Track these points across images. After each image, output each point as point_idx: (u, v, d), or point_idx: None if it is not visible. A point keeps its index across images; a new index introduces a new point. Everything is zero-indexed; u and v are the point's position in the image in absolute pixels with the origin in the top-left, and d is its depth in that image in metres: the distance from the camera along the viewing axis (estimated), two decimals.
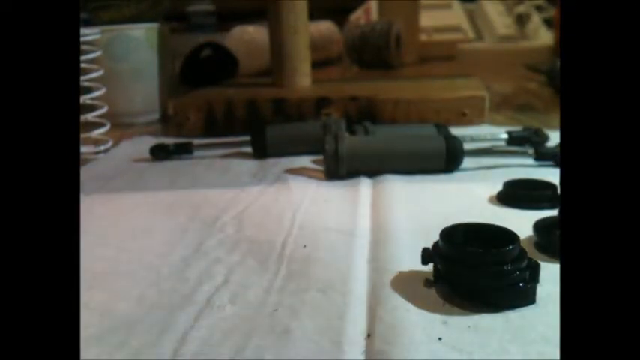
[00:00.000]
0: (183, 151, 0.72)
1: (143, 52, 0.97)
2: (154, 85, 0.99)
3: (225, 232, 0.48)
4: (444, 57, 1.64)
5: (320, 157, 0.65)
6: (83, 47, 0.76)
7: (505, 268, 0.33)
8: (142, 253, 0.44)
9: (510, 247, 0.34)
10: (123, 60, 0.94)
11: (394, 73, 1.45)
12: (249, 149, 0.72)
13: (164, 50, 1.00)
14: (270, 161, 0.69)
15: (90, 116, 0.75)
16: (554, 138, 0.70)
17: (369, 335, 0.32)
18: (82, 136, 0.74)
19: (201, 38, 1.31)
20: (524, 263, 0.34)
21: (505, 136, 0.70)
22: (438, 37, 1.73)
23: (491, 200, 0.53)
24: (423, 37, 1.68)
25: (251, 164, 0.69)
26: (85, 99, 0.74)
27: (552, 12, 1.65)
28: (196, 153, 0.72)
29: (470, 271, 0.34)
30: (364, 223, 0.48)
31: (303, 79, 0.92)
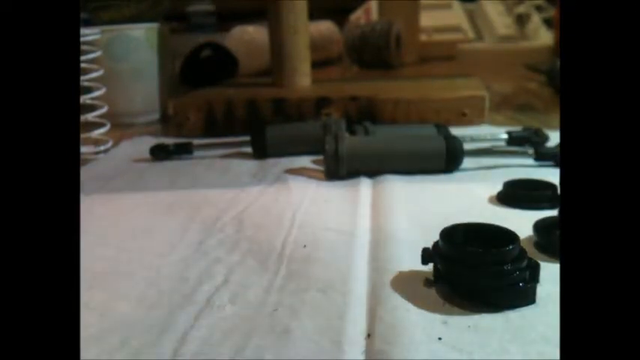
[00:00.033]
0: (183, 151, 0.72)
1: (143, 52, 0.97)
2: (154, 85, 0.99)
3: (225, 232, 0.48)
4: (444, 57, 1.64)
5: (320, 157, 0.65)
6: (83, 47, 0.76)
7: (505, 268, 0.33)
8: (142, 253, 0.44)
9: (510, 247, 0.34)
10: (123, 60, 0.94)
11: (394, 73, 1.45)
12: (249, 149, 0.72)
13: (164, 50, 1.00)
14: (270, 161, 0.69)
15: (90, 116, 0.75)
16: (554, 138, 0.70)
17: (369, 335, 0.32)
18: (82, 136, 0.74)
19: (201, 38, 1.31)
20: (524, 263, 0.34)
21: (505, 136, 0.70)
22: (438, 37, 1.73)
23: (491, 200, 0.53)
24: (423, 37, 1.68)
25: (251, 164, 0.69)
26: (85, 99, 0.74)
27: (552, 12, 1.65)
28: (196, 153, 0.72)
29: (470, 271, 0.34)
30: (364, 223, 0.48)
31: (303, 79, 0.92)
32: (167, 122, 0.95)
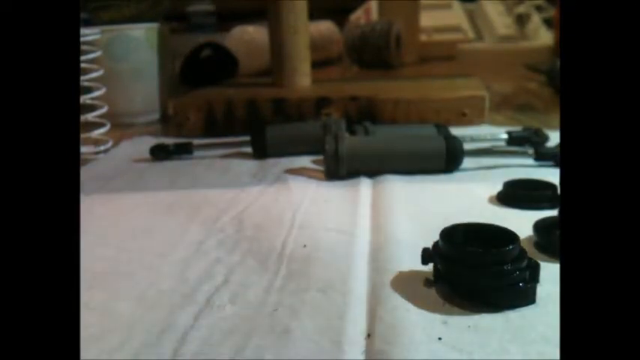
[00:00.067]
0: (183, 151, 0.72)
1: (143, 52, 0.97)
2: (154, 85, 0.99)
3: (225, 232, 0.48)
4: (444, 57, 1.64)
5: (320, 157, 0.65)
6: (83, 47, 0.76)
7: (505, 268, 0.33)
8: (142, 253, 0.44)
9: (510, 247, 0.34)
10: (123, 60, 0.94)
11: (394, 73, 1.45)
12: (249, 149, 0.72)
13: (164, 50, 1.00)
14: (270, 161, 0.69)
15: (90, 116, 0.75)
16: (554, 138, 0.70)
17: (369, 335, 0.32)
18: (82, 136, 0.74)
19: (201, 38, 1.32)
20: (524, 263, 0.34)
21: (505, 136, 0.70)
22: (438, 37, 1.73)
23: (491, 200, 0.53)
24: (423, 37, 1.68)
25: (251, 164, 0.69)
26: (85, 99, 0.74)
27: (552, 12, 1.65)
28: (196, 153, 0.72)
29: (470, 271, 0.34)
30: (364, 223, 0.48)
31: (303, 79, 0.92)
32: (167, 122, 0.95)
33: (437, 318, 0.33)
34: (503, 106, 0.99)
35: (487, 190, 0.54)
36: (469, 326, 0.32)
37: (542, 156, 0.61)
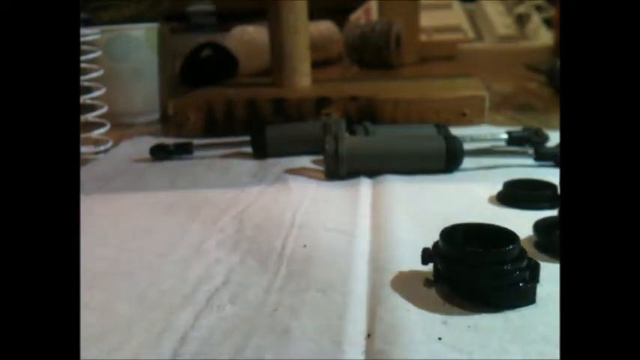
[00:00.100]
0: (183, 151, 0.72)
1: (143, 52, 0.97)
2: (154, 85, 0.99)
3: (225, 232, 0.48)
4: (444, 57, 1.64)
5: (320, 157, 0.65)
6: (83, 47, 0.76)
7: (505, 268, 0.33)
8: (142, 253, 0.44)
9: (510, 247, 0.34)
10: (123, 60, 0.95)
11: (394, 73, 1.45)
12: (249, 149, 0.72)
13: (164, 50, 1.00)
14: (270, 161, 0.69)
15: (90, 116, 0.75)
16: (554, 138, 0.70)
17: (369, 335, 0.32)
18: (82, 136, 0.74)
19: (201, 38, 1.32)
20: (524, 263, 0.34)
21: (505, 136, 0.70)
22: (438, 37, 1.73)
23: (491, 200, 0.53)
24: (423, 37, 1.68)
25: (251, 164, 0.69)
26: (85, 99, 0.75)
27: (552, 12, 1.65)
28: (196, 153, 0.72)
29: (470, 271, 0.34)
30: (364, 223, 0.48)
31: (303, 79, 0.92)
32: (167, 122, 0.95)
33: (437, 318, 0.33)
34: (503, 106, 0.99)
35: (487, 190, 0.54)
36: (469, 326, 0.32)
37: (542, 156, 0.61)
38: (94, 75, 0.75)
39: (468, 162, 0.61)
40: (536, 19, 1.69)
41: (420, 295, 0.35)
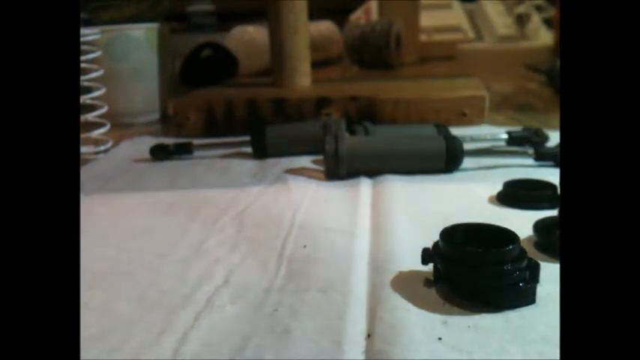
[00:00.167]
0: (183, 151, 0.72)
1: (143, 52, 0.97)
2: (154, 85, 0.99)
3: (225, 232, 0.48)
4: (444, 57, 1.64)
5: (320, 157, 0.65)
6: (83, 47, 0.76)
7: (505, 268, 0.33)
8: (142, 253, 0.44)
9: (510, 247, 0.34)
10: (123, 60, 0.94)
11: (394, 73, 1.45)
12: (249, 149, 0.72)
13: (164, 50, 1.00)
14: (270, 161, 0.69)
15: (90, 116, 0.75)
16: (554, 138, 0.70)
17: (369, 335, 0.32)
18: (82, 136, 0.74)
19: (201, 38, 1.32)
20: (524, 263, 0.34)
21: (505, 136, 0.70)
22: (438, 37, 1.73)
23: (491, 200, 0.53)
24: (423, 37, 1.68)
25: (251, 164, 0.69)
26: (85, 99, 0.74)
27: (552, 12, 1.65)
28: (196, 153, 0.72)
29: (470, 271, 0.34)
30: (364, 223, 0.48)
31: (303, 79, 0.92)
32: (167, 122, 0.95)
33: (437, 318, 0.33)
34: (503, 106, 0.99)
35: (487, 190, 0.54)
36: (469, 326, 0.32)
37: (542, 156, 0.61)
38: (94, 75, 0.75)
39: (468, 162, 0.61)
40: (536, 19, 1.69)
41: (420, 295, 0.35)
